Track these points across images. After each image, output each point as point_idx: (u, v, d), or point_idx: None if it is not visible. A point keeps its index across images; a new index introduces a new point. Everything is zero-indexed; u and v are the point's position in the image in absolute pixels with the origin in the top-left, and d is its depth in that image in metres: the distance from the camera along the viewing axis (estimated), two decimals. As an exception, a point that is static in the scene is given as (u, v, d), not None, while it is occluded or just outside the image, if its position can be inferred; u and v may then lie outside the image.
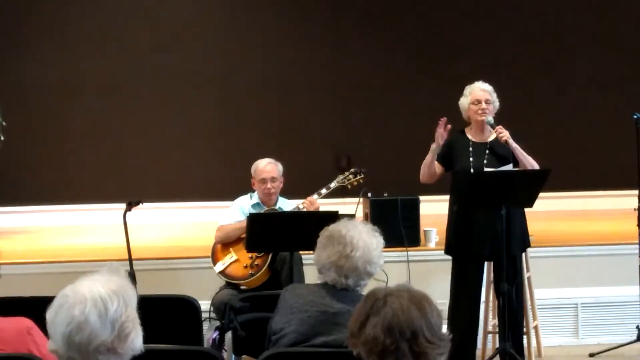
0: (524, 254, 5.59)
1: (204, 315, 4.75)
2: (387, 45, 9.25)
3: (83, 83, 9.09)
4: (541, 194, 5.08)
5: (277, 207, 5.59)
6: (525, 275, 5.73)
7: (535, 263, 6.00)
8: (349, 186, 5.77)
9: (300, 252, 5.35)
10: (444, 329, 2.22)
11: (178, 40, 9.20)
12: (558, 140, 9.03)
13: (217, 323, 4.57)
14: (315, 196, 5.54)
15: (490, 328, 5.75)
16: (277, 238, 5.12)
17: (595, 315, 6.25)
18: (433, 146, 5.31)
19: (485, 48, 9.21)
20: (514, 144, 5.23)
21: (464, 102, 5.40)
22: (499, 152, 5.30)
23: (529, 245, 5.52)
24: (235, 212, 5.60)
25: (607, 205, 8.68)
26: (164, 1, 9.41)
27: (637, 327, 5.83)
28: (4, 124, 7.45)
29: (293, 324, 3.20)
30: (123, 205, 5.21)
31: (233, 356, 4.40)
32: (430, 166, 5.35)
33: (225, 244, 5.53)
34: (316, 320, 3.18)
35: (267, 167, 5.57)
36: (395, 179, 6.75)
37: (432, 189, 5.67)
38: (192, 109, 9.18)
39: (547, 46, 9.30)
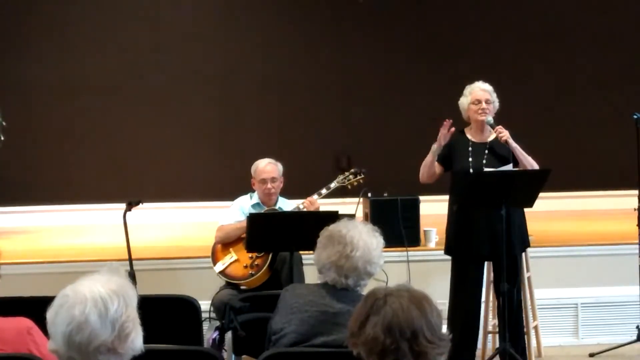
0: (523, 254, 5.60)
1: (204, 315, 4.75)
2: (387, 45, 9.25)
3: (83, 83, 9.09)
4: (541, 194, 5.08)
5: (277, 207, 5.59)
6: (525, 275, 5.73)
7: (535, 263, 6.00)
8: (349, 186, 5.77)
9: (300, 252, 5.35)
10: (444, 329, 2.22)
11: (178, 40, 9.20)
12: (558, 140, 9.03)
13: (217, 323, 4.57)
14: (315, 196, 5.54)
15: (490, 328, 5.75)
16: (277, 238, 5.12)
17: (595, 315, 6.26)
18: (434, 146, 5.31)
19: (485, 48, 9.21)
20: (514, 144, 5.23)
21: (464, 102, 5.40)
22: (499, 152, 5.30)
23: (528, 245, 5.52)
24: (235, 212, 5.60)
25: (607, 205, 8.68)
26: (164, 1, 9.41)
27: (637, 327, 5.84)
28: (4, 124, 7.45)
29: (293, 324, 3.20)
30: (123, 205, 5.21)
31: (233, 356, 4.40)
32: (431, 166, 5.35)
33: (225, 244, 5.53)
34: (316, 320, 3.18)
35: (267, 167, 5.57)
36: (395, 179, 6.75)
37: (432, 189, 5.67)
38: (192, 109, 9.18)
39: (547, 46, 9.30)
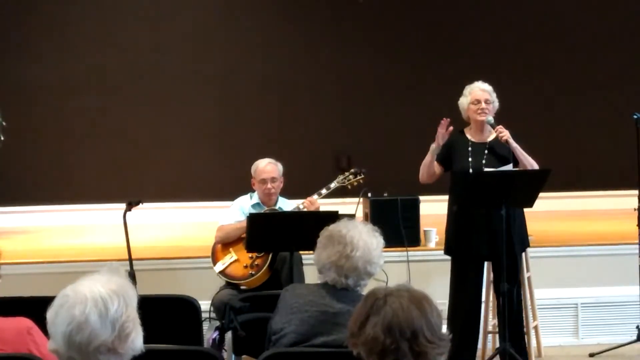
0: (523, 254, 5.59)
1: (204, 315, 4.75)
2: (387, 45, 9.25)
3: (83, 83, 9.09)
4: (541, 194, 5.08)
5: (277, 207, 5.59)
6: (525, 275, 5.73)
7: (535, 263, 6.00)
8: (349, 186, 5.77)
9: (300, 252, 5.35)
10: (444, 329, 2.22)
11: (178, 40, 9.20)
12: (558, 140, 9.03)
13: (217, 323, 4.57)
14: (315, 196, 5.54)
15: (490, 328, 5.75)
16: (277, 238, 5.12)
17: (595, 315, 6.26)
18: (433, 146, 5.31)
19: (485, 48, 9.21)
20: (514, 144, 5.23)
21: (463, 102, 5.40)
22: (498, 152, 5.30)
23: (528, 245, 5.52)
24: (236, 212, 5.60)
25: (607, 205, 8.68)
26: (164, 1, 9.41)
27: (637, 327, 5.83)
28: (4, 124, 7.45)
29: (293, 324, 3.20)
30: (123, 205, 5.21)
31: (233, 356, 4.40)
32: (430, 166, 5.35)
33: (225, 244, 5.53)
34: (316, 320, 3.18)
35: (267, 167, 5.57)
36: (395, 179, 6.75)
37: (432, 189, 5.67)
38: (192, 109, 9.18)
39: (547, 46, 9.30)
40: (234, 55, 9.23)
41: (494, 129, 5.29)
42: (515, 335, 5.22)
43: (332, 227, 3.28)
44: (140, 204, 5.30)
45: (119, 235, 5.23)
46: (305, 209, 5.46)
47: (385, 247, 3.31)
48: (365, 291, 2.85)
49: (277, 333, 3.23)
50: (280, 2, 9.49)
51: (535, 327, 5.92)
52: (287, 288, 3.43)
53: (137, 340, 2.22)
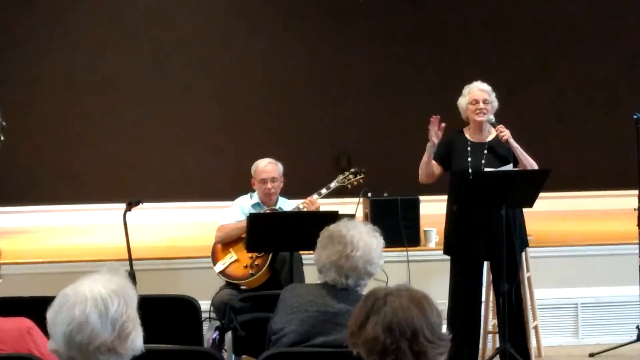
0: (523, 254, 5.59)
1: (204, 315, 4.74)
2: (387, 45, 9.25)
3: (83, 83, 9.09)
4: (541, 194, 5.07)
5: (277, 207, 5.59)
6: (525, 275, 5.73)
7: (535, 263, 6.00)
8: (349, 186, 5.77)
9: (300, 252, 5.35)
10: (444, 328, 2.22)
11: (178, 40, 9.20)
12: (558, 140, 9.03)
13: (217, 323, 4.56)
14: (315, 196, 5.53)
15: (490, 328, 5.75)
16: (277, 238, 5.11)
17: (595, 315, 6.26)
18: (429, 145, 5.31)
19: (485, 48, 9.21)
20: (514, 144, 5.23)
21: (462, 102, 5.40)
22: (498, 151, 5.29)
23: (527, 245, 5.52)
24: (236, 212, 5.60)
25: (607, 205, 8.68)
26: (164, 1, 9.41)
27: (637, 327, 5.84)
28: (4, 124, 7.45)
29: (293, 323, 3.20)
30: (123, 205, 5.21)
31: (233, 356, 4.40)
32: (428, 165, 5.35)
33: (225, 243, 5.53)
34: (316, 320, 3.18)
35: (267, 167, 5.57)
36: (395, 179, 6.75)
37: (432, 189, 5.67)
38: (192, 109, 9.18)
39: (547, 46, 9.30)
40: (234, 55, 9.23)
41: (494, 128, 5.29)
42: (515, 335, 5.21)
43: (332, 227, 3.28)
44: (140, 204, 5.30)
45: (119, 235, 5.22)
46: (305, 209, 5.46)
47: (385, 247, 3.31)
48: (365, 291, 2.85)
49: (277, 333, 3.23)
50: (280, 3, 9.49)
51: (535, 327, 5.92)
52: (287, 288, 3.43)
53: (137, 340, 2.23)
